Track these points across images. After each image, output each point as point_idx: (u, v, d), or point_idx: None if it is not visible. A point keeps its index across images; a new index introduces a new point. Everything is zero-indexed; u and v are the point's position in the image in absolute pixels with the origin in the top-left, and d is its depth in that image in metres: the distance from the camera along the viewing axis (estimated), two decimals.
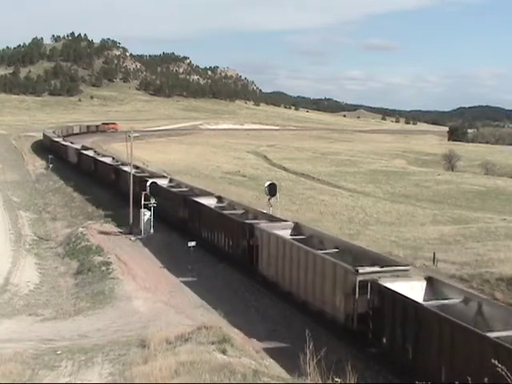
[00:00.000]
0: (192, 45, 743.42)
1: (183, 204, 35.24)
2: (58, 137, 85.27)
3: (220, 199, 35.46)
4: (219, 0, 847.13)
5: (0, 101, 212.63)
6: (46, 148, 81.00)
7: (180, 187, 41.23)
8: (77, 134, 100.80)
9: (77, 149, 67.22)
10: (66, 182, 55.82)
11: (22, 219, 42.03)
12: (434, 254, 30.22)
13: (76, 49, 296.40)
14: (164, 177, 44.82)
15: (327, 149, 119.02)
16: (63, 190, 52.97)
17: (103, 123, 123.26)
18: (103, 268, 28.26)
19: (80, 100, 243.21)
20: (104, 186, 50.74)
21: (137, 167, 48.01)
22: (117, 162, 55.26)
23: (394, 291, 17.89)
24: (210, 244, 30.89)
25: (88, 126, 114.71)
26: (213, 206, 33.24)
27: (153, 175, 44.23)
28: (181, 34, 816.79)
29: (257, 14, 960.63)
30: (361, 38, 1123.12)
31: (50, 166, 64.14)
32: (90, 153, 63.31)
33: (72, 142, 75.80)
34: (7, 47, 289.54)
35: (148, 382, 12.53)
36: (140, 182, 39.22)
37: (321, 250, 23.40)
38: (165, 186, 40.09)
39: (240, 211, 32.25)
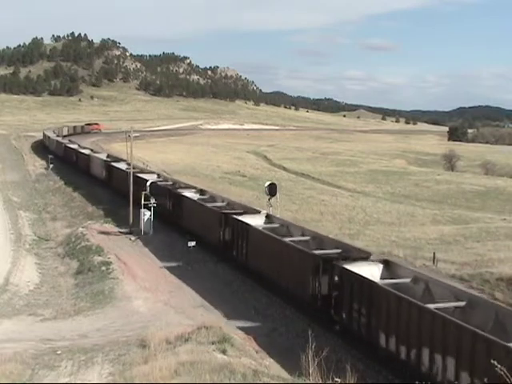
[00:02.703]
0: (192, 45, 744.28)
1: (315, 271, 20.64)
2: (70, 141, 78.09)
3: (389, 265, 20.02)
4: (219, 0, 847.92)
5: (0, 101, 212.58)
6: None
7: (279, 227, 26.62)
8: (66, 135, 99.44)
9: (106, 161, 53.51)
10: (66, 181, 55.70)
11: (22, 219, 41.98)
12: (434, 253, 30.21)
13: (76, 49, 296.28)
14: (248, 212, 29.33)
15: (327, 149, 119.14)
16: (63, 189, 52.89)
17: (86, 124, 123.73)
18: (103, 268, 28.25)
19: (80, 100, 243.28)
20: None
21: (202, 192, 36.46)
22: (166, 180, 42.43)
23: None
24: (392, 359, 16.80)
25: (74, 127, 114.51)
26: (379, 282, 18.46)
27: (236, 208, 31.25)
28: (181, 34, 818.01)
29: (257, 14, 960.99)
30: (361, 37, 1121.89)
31: (51, 166, 64.03)
32: (123, 165, 47.42)
33: (94, 151, 63.81)
34: (7, 47, 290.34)
35: (148, 382, 12.53)
36: (224, 219, 28.11)
37: None
38: (259, 227, 26.40)
39: (451, 303, 16.45)
